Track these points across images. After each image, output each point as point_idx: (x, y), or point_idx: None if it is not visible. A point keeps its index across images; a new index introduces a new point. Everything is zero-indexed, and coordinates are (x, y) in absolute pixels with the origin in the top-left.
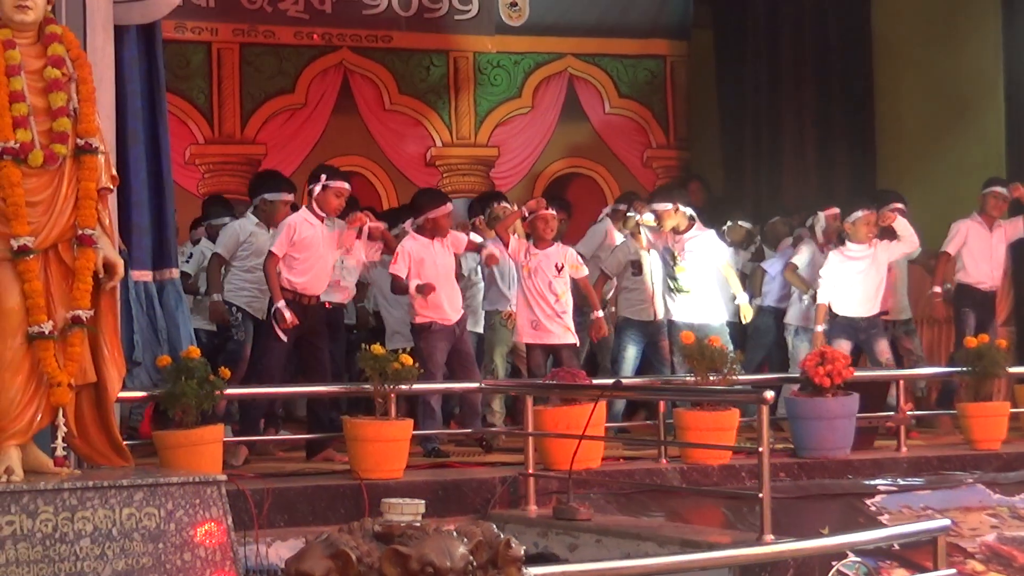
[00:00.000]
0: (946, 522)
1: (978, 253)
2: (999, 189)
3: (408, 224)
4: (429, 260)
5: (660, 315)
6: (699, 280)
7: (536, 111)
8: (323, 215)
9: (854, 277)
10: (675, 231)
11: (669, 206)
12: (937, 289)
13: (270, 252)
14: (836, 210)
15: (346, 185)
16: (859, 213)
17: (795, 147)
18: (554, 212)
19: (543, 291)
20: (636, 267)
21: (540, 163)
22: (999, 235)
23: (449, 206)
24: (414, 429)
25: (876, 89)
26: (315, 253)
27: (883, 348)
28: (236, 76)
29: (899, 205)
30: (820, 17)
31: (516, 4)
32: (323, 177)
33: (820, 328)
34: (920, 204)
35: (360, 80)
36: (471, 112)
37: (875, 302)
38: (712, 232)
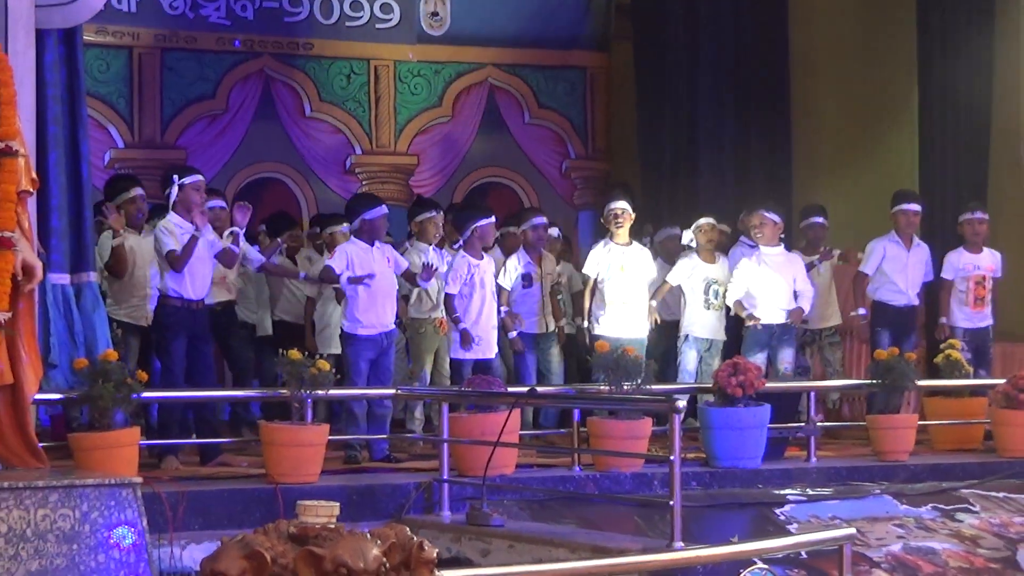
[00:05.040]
0: (851, 530)
1: (894, 272)
2: (908, 207)
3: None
4: (367, 265)
5: (550, 327)
6: (633, 293)
7: (456, 120)
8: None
9: (771, 280)
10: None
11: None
12: (862, 311)
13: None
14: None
15: (199, 178)
16: (771, 216)
17: (712, 160)
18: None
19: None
20: (527, 280)
21: (459, 172)
22: (916, 253)
23: (384, 208)
24: (338, 434)
25: (792, 102)
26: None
27: (786, 356)
28: (157, 81)
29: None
30: (738, 31)
31: (437, 14)
32: (175, 177)
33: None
34: (833, 216)
35: (281, 87)
36: (391, 120)
37: (788, 308)
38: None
